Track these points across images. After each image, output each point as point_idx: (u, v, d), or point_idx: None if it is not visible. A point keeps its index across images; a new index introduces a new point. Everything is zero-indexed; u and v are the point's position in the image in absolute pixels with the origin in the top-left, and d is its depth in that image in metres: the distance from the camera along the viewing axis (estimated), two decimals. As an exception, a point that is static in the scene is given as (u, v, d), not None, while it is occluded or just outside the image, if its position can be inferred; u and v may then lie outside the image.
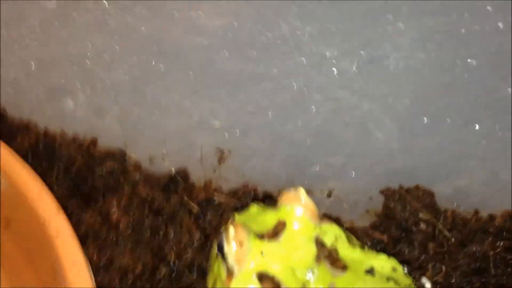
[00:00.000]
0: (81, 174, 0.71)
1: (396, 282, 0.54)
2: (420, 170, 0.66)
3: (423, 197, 0.66)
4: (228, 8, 0.67)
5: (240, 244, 0.51)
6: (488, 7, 0.60)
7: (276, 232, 0.54)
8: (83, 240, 0.64)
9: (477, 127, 0.63)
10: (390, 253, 0.63)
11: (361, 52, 0.63)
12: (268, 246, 0.52)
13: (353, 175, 0.67)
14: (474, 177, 0.65)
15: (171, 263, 0.67)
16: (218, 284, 0.54)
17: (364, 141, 0.66)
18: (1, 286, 0.59)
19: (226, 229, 0.52)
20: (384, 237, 0.65)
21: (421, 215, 0.64)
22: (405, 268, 0.57)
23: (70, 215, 0.61)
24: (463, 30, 0.61)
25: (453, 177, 0.66)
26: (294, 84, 0.66)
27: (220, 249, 0.53)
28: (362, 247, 0.56)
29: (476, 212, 0.66)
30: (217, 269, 0.55)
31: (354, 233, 0.65)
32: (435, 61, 0.63)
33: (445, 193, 0.66)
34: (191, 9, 0.66)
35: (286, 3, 0.65)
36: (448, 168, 0.66)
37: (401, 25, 0.62)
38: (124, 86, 0.71)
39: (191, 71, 0.69)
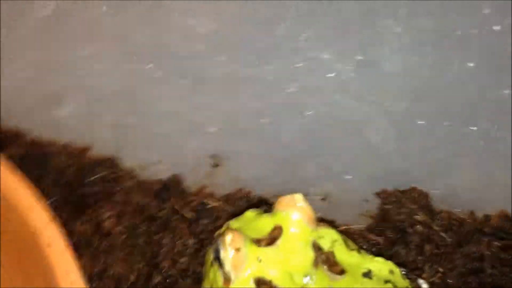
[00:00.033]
0: (73, 182, 0.71)
1: (394, 284, 0.54)
2: (416, 172, 0.66)
3: (419, 199, 0.66)
4: (223, 13, 0.67)
5: (237, 250, 0.51)
6: (485, 10, 0.60)
7: (273, 237, 0.53)
8: (76, 248, 0.63)
9: (473, 128, 0.63)
10: (386, 255, 0.63)
11: (357, 55, 0.63)
12: (265, 251, 0.52)
13: (349, 178, 0.67)
14: (469, 177, 0.65)
15: (165, 270, 0.66)
16: (215, 291, 0.53)
17: (360, 144, 0.66)
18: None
19: (222, 235, 0.52)
20: (380, 239, 0.64)
21: (417, 216, 0.64)
22: (402, 270, 0.57)
23: (62, 224, 0.60)
24: (459, 33, 0.61)
25: (449, 178, 0.66)
26: (290, 88, 0.66)
27: (217, 255, 0.52)
28: (359, 250, 0.56)
29: (472, 212, 0.66)
30: (213, 275, 0.54)
31: (350, 236, 0.64)
32: (431, 64, 0.63)
33: (440, 194, 0.66)
34: (185, 14, 0.66)
35: (281, 7, 0.65)
36: (444, 170, 0.66)
37: (397, 28, 0.62)
38: (117, 93, 0.70)
39: (185, 76, 0.68)
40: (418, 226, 0.64)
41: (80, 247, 0.65)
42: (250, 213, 0.58)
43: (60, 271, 0.53)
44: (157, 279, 0.65)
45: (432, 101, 0.64)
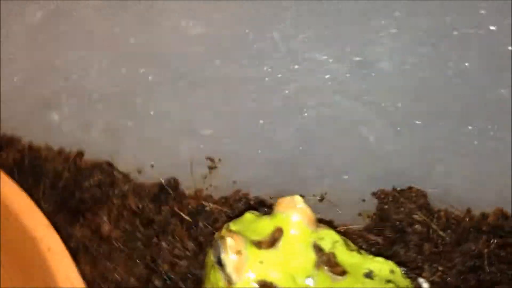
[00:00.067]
0: (69, 188, 0.70)
1: (395, 284, 0.54)
2: (413, 172, 0.66)
3: (417, 198, 0.66)
4: (219, 16, 0.66)
5: (238, 253, 0.51)
6: (481, 10, 0.60)
7: (273, 239, 0.53)
8: (75, 254, 0.63)
9: (470, 127, 0.63)
10: (386, 255, 0.63)
11: (354, 56, 0.63)
12: (266, 254, 0.52)
13: (346, 178, 0.67)
14: (466, 176, 0.66)
15: (165, 273, 0.66)
16: (216, 294, 0.53)
17: (358, 144, 0.66)
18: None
19: (223, 238, 0.52)
20: (379, 239, 0.64)
21: (415, 216, 0.64)
22: (402, 270, 0.57)
23: (59, 230, 0.59)
24: (456, 33, 0.61)
25: (445, 177, 0.66)
26: (287, 89, 0.66)
27: (218, 258, 0.52)
28: (359, 251, 0.56)
29: (469, 211, 0.66)
30: (214, 278, 0.54)
31: (349, 236, 0.65)
32: (429, 64, 0.63)
33: (437, 194, 0.66)
34: (179, 16, 0.66)
35: (278, 9, 0.64)
36: (441, 169, 0.66)
37: (394, 29, 0.62)
38: (111, 97, 0.70)
39: (180, 79, 0.68)
40: (416, 225, 0.64)
41: (79, 252, 0.65)
42: (249, 215, 0.57)
43: (61, 277, 0.52)
44: (156, 283, 0.65)
45: (430, 101, 0.64)
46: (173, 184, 0.72)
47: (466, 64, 0.62)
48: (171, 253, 0.67)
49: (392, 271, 0.55)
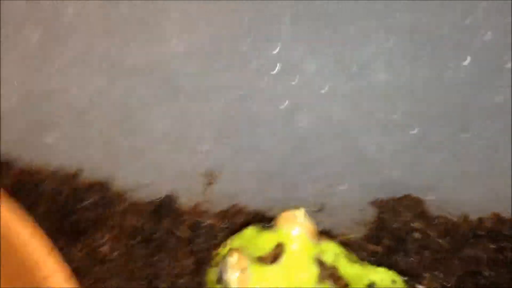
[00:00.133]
0: (67, 208, 0.70)
1: (398, 294, 0.55)
2: (410, 180, 0.67)
3: (414, 206, 0.66)
4: (214, 31, 0.67)
5: (242, 270, 0.51)
6: (478, 19, 0.61)
7: (276, 254, 0.53)
8: (75, 276, 0.62)
9: (466, 134, 0.64)
10: (385, 264, 0.63)
11: (350, 67, 0.64)
12: (269, 269, 0.52)
13: (344, 188, 0.68)
14: (462, 182, 0.66)
15: (165, 293, 0.66)
16: (219, 310, 0.53)
17: (354, 154, 0.67)
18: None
19: (226, 256, 0.52)
20: (379, 248, 0.65)
21: (413, 224, 0.65)
22: (403, 279, 0.58)
23: (59, 252, 0.59)
24: (452, 42, 0.62)
25: (442, 183, 0.67)
26: (283, 101, 0.66)
27: (221, 276, 0.52)
28: (360, 261, 0.56)
29: (466, 216, 0.67)
30: (217, 295, 0.54)
31: (348, 247, 0.65)
32: (424, 74, 0.64)
33: (434, 200, 0.67)
34: (176, 34, 0.66)
35: (274, 24, 0.65)
36: (437, 176, 0.67)
37: (390, 41, 0.63)
38: (107, 116, 0.70)
39: (177, 97, 0.68)
40: (415, 233, 0.65)
41: (79, 274, 0.64)
42: (250, 230, 0.58)
43: (64, 302, 0.52)
44: (158, 301, 0.65)
45: (425, 110, 0.65)
46: (170, 201, 0.72)
47: (463, 72, 0.62)
48: (170, 271, 0.67)
49: (393, 281, 0.56)
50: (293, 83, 0.65)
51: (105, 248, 0.67)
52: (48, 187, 0.70)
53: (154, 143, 0.72)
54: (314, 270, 0.52)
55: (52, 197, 0.70)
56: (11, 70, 0.68)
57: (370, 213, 0.68)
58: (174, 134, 0.71)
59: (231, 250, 0.53)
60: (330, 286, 0.52)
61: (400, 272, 0.59)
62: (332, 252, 0.55)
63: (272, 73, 0.66)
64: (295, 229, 0.54)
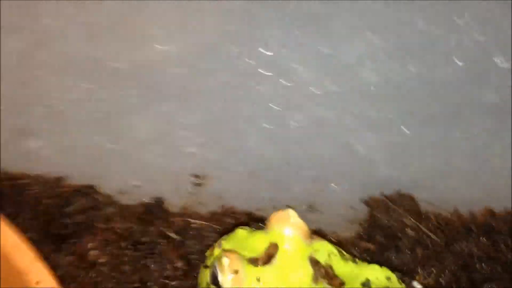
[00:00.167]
0: (51, 215, 0.68)
1: (393, 291, 0.54)
2: (401, 178, 0.67)
3: (406, 203, 0.66)
4: (202, 34, 0.66)
5: (235, 272, 0.50)
6: (466, 18, 0.61)
7: (269, 255, 0.52)
8: (63, 282, 0.61)
9: (457, 132, 0.64)
10: (378, 261, 0.63)
11: (341, 69, 0.63)
12: (263, 271, 0.51)
13: (335, 187, 0.67)
14: (452, 179, 0.67)
15: (155, 296, 0.65)
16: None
17: (346, 155, 0.66)
18: None
19: (219, 258, 0.51)
20: (371, 246, 0.65)
21: (405, 220, 0.65)
22: (397, 275, 0.57)
23: (45, 259, 0.58)
24: (441, 41, 0.62)
25: (433, 180, 0.67)
26: (273, 104, 0.65)
27: (214, 278, 0.51)
28: (354, 260, 0.56)
29: (457, 211, 0.67)
30: (210, 298, 0.53)
31: (341, 245, 0.64)
32: (414, 74, 0.64)
33: (425, 196, 0.67)
34: (162, 37, 0.65)
35: (263, 26, 0.64)
36: (428, 173, 0.67)
37: (379, 40, 0.63)
38: (91, 120, 0.69)
39: (163, 100, 0.67)
40: (407, 229, 0.65)
41: (67, 281, 0.63)
42: (241, 231, 0.57)
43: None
44: (148, 305, 0.64)
45: (416, 109, 0.65)
46: (159, 203, 0.71)
47: (451, 71, 0.62)
48: (161, 274, 0.66)
49: (388, 278, 0.55)
50: (282, 84, 0.65)
51: (93, 253, 0.65)
52: (32, 194, 0.69)
53: (141, 146, 0.70)
54: (309, 270, 0.52)
55: (37, 203, 0.68)
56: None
57: (362, 211, 0.68)
58: (161, 136, 0.70)
59: (224, 251, 0.52)
60: (325, 286, 0.52)
61: (394, 268, 0.59)
62: (325, 251, 0.54)
63: (261, 74, 0.65)
64: (287, 229, 0.53)
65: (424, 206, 0.67)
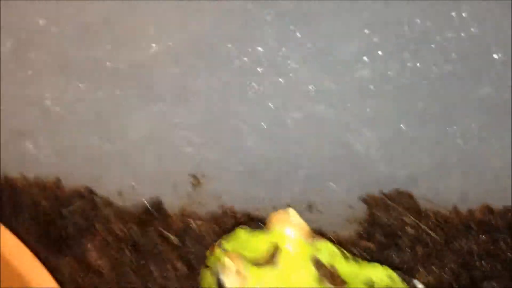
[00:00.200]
0: (49, 219, 0.68)
1: (395, 290, 0.54)
2: (399, 176, 0.67)
3: (405, 201, 0.66)
4: (198, 32, 0.65)
5: (239, 274, 0.50)
6: (464, 13, 0.61)
7: (271, 256, 0.52)
8: (63, 286, 0.61)
9: (453, 127, 0.64)
10: (379, 260, 0.63)
11: (337, 66, 0.63)
12: (265, 272, 0.51)
13: (333, 186, 0.67)
14: (451, 175, 0.67)
15: (156, 298, 0.64)
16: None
17: (344, 153, 0.66)
18: None
19: (222, 260, 0.51)
20: (371, 245, 0.65)
21: (405, 218, 0.65)
22: (398, 273, 0.57)
23: (44, 263, 0.57)
24: (437, 37, 0.62)
25: (431, 177, 0.67)
26: (270, 102, 0.65)
27: (218, 280, 0.51)
28: (356, 259, 0.56)
29: (456, 208, 0.67)
30: (213, 300, 0.53)
31: (341, 244, 0.64)
32: (411, 70, 0.64)
33: (424, 194, 0.67)
34: (158, 37, 0.64)
35: (259, 24, 0.64)
36: (426, 170, 0.67)
37: (376, 38, 0.63)
38: (87, 121, 0.68)
39: (160, 100, 0.67)
40: (407, 227, 0.65)
41: (66, 284, 0.62)
42: (241, 232, 0.56)
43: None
44: (149, 308, 0.63)
45: (412, 105, 0.65)
46: (157, 205, 0.70)
47: (449, 67, 0.63)
48: (161, 276, 0.66)
49: (390, 277, 0.55)
50: (278, 82, 0.65)
51: (92, 257, 0.65)
52: (29, 198, 0.68)
53: (138, 146, 0.70)
54: (312, 270, 0.52)
55: (33, 206, 0.68)
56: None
57: (361, 210, 0.68)
58: (158, 137, 0.70)
59: (226, 252, 0.51)
60: (328, 286, 0.52)
61: (394, 267, 0.59)
62: (327, 251, 0.54)
63: (257, 73, 0.65)
64: (288, 229, 0.53)
65: (423, 204, 0.67)
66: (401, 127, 0.65)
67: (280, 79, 0.64)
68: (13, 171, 0.69)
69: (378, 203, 0.67)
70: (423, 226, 0.65)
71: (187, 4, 0.65)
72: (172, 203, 0.71)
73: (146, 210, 0.70)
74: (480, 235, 0.65)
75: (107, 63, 0.65)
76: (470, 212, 0.66)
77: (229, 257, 0.50)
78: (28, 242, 0.62)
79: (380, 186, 0.67)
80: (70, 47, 0.66)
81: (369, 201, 0.67)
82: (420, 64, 0.63)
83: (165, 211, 0.70)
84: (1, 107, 0.67)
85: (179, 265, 0.66)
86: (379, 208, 0.66)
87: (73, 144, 0.70)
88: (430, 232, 0.65)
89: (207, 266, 0.56)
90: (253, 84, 0.65)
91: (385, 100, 0.65)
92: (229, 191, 0.70)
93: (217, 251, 0.55)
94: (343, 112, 0.65)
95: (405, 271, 0.63)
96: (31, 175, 0.69)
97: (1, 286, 0.53)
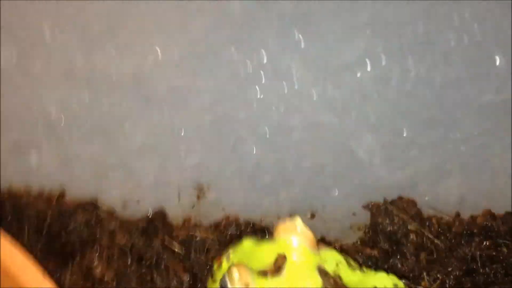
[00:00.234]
0: (54, 231, 0.68)
1: (401, 298, 0.55)
2: (402, 182, 0.67)
3: (408, 208, 0.66)
4: (202, 41, 0.66)
5: (245, 285, 0.50)
6: (466, 18, 0.61)
7: (277, 267, 0.52)
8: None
9: (456, 133, 0.65)
10: (383, 268, 0.64)
11: (341, 74, 0.64)
12: (272, 282, 0.51)
13: (336, 193, 0.67)
14: (453, 181, 0.67)
15: (162, 310, 0.64)
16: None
17: (346, 159, 0.66)
18: None
19: (229, 272, 0.51)
20: (375, 252, 0.65)
21: (408, 225, 0.65)
22: (403, 282, 0.57)
23: (51, 277, 0.57)
24: (440, 44, 0.62)
25: (433, 183, 0.67)
26: (273, 112, 0.65)
27: (224, 292, 0.51)
28: (361, 268, 0.56)
29: (458, 215, 0.67)
30: (219, 312, 0.53)
31: (345, 252, 0.65)
32: (414, 76, 0.64)
33: (426, 200, 0.67)
34: (162, 45, 0.64)
35: (263, 32, 0.64)
36: (429, 176, 0.67)
37: (379, 44, 0.63)
38: (91, 132, 0.68)
39: (164, 110, 0.67)
40: (411, 235, 0.65)
41: (73, 298, 0.63)
42: (247, 242, 0.57)
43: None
44: (155, 320, 0.63)
45: (415, 111, 0.65)
46: (161, 215, 0.71)
47: (451, 73, 0.63)
48: (166, 287, 0.66)
49: (395, 285, 0.56)
50: (282, 90, 0.65)
51: (98, 270, 0.65)
52: (34, 210, 0.68)
53: (141, 158, 0.70)
54: (317, 281, 0.52)
55: (38, 219, 0.68)
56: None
57: (364, 217, 0.68)
58: (161, 147, 0.70)
59: (232, 264, 0.52)
60: (334, 296, 0.52)
61: (399, 275, 0.60)
62: (333, 260, 0.54)
63: (260, 81, 0.65)
64: (294, 239, 0.53)
65: (425, 210, 0.67)
66: (404, 133, 0.65)
67: (283, 86, 0.64)
68: (16, 183, 0.69)
69: (381, 210, 0.67)
70: (426, 233, 0.65)
71: (190, 12, 0.65)
72: (176, 213, 0.71)
73: (150, 222, 0.70)
74: (483, 241, 0.65)
75: (109, 72, 0.66)
76: (473, 218, 0.67)
77: (236, 269, 0.50)
78: (32, 255, 0.63)
79: (383, 192, 0.67)
80: (75, 57, 0.66)
81: (373, 209, 0.67)
82: (422, 70, 0.63)
83: (169, 222, 0.71)
84: (4, 118, 0.67)
85: (184, 276, 0.66)
86: (382, 215, 0.67)
87: (76, 154, 0.70)
88: (433, 239, 0.65)
89: (213, 278, 0.56)
90: (256, 90, 0.65)
91: (388, 106, 0.65)
92: (232, 200, 0.70)
93: (224, 262, 0.55)
94: (345, 119, 0.65)
95: (410, 279, 0.63)
96: (34, 186, 0.70)
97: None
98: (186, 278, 0.66)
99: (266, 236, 0.59)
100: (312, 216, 0.69)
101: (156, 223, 0.70)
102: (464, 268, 0.64)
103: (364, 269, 0.56)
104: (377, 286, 0.54)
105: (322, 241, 0.66)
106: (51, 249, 0.66)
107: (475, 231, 0.66)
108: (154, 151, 0.70)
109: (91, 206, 0.70)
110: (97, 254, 0.66)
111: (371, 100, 0.65)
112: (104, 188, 0.70)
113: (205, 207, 0.71)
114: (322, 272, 0.53)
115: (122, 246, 0.68)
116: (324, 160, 0.67)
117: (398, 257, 0.64)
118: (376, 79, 0.64)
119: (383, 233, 0.66)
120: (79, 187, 0.70)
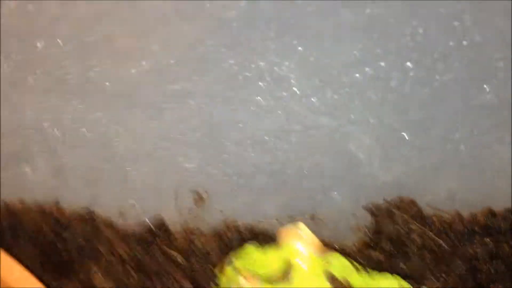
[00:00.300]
0: (51, 243, 0.67)
1: (407, 300, 0.54)
2: (402, 184, 0.67)
3: (409, 208, 0.66)
4: (201, 47, 0.65)
5: (254, 293, 0.49)
6: (466, 19, 0.62)
7: (285, 273, 0.52)
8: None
9: (456, 135, 0.65)
10: (387, 269, 0.63)
11: (340, 78, 0.63)
12: (280, 289, 0.51)
13: (336, 195, 0.67)
14: (453, 182, 0.67)
15: (165, 319, 0.63)
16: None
17: (346, 163, 0.66)
18: None
19: (236, 278, 0.50)
20: (378, 254, 0.64)
21: (410, 225, 0.65)
22: (408, 282, 0.57)
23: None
24: (439, 46, 0.62)
25: (433, 184, 0.67)
26: (272, 116, 0.65)
27: (231, 301, 0.51)
28: (366, 270, 0.56)
29: (458, 213, 0.67)
30: (226, 319, 0.52)
31: (348, 255, 0.64)
32: (413, 79, 0.64)
33: (427, 201, 0.67)
34: (158, 53, 0.64)
35: (262, 40, 0.64)
36: (428, 177, 0.67)
37: (378, 49, 0.63)
38: (86, 142, 0.67)
39: (160, 117, 0.66)
40: (413, 235, 0.65)
41: (74, 309, 0.61)
42: (250, 248, 0.56)
43: None
44: (158, 329, 0.63)
45: (415, 112, 0.65)
46: (160, 223, 0.70)
47: (450, 75, 0.63)
48: (168, 296, 0.65)
49: (401, 287, 0.56)
50: (279, 92, 0.65)
51: (97, 280, 0.64)
52: (29, 223, 0.67)
53: (137, 165, 0.69)
54: (326, 285, 0.52)
55: (33, 232, 0.67)
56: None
57: (364, 218, 0.68)
58: (157, 155, 0.69)
59: (239, 272, 0.51)
60: (343, 300, 0.52)
61: (403, 276, 0.59)
62: (339, 264, 0.54)
63: (258, 84, 0.65)
64: (300, 244, 0.53)
65: (426, 210, 0.67)
66: (403, 135, 0.65)
67: (281, 89, 0.64)
68: (11, 195, 0.68)
69: (382, 211, 0.67)
70: (429, 233, 0.65)
71: (189, 21, 0.65)
72: (174, 220, 0.70)
73: (148, 229, 0.69)
74: (485, 239, 0.65)
75: (106, 82, 0.65)
76: (473, 216, 0.66)
77: (243, 276, 0.50)
78: (30, 267, 0.62)
79: (383, 194, 0.67)
80: (69, 68, 0.65)
81: (373, 210, 0.67)
82: (422, 73, 0.64)
83: (168, 229, 0.70)
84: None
85: (185, 284, 0.65)
86: (384, 216, 0.66)
87: (71, 165, 0.69)
88: (436, 238, 0.65)
89: (217, 285, 0.56)
90: (254, 96, 0.65)
91: (387, 109, 0.65)
92: (231, 205, 0.70)
93: (228, 269, 0.54)
94: (345, 122, 0.65)
95: (415, 280, 0.63)
96: (29, 199, 0.68)
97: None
98: (187, 285, 0.65)
99: (267, 240, 0.59)
100: (312, 218, 0.69)
101: (155, 230, 0.69)
102: (466, 266, 0.64)
103: (370, 271, 0.56)
104: (383, 287, 0.54)
105: (326, 244, 0.66)
106: (49, 261, 0.65)
107: (476, 228, 0.66)
108: (150, 157, 0.70)
109: (88, 215, 0.69)
110: (96, 264, 0.65)
111: (370, 101, 0.65)
112: (100, 198, 0.69)
113: (204, 212, 0.70)
114: (330, 276, 0.52)
115: (121, 255, 0.67)
116: (324, 163, 0.67)
117: (402, 257, 0.64)
118: (376, 84, 0.64)
119: (385, 234, 0.65)
120: (74, 198, 0.69)
